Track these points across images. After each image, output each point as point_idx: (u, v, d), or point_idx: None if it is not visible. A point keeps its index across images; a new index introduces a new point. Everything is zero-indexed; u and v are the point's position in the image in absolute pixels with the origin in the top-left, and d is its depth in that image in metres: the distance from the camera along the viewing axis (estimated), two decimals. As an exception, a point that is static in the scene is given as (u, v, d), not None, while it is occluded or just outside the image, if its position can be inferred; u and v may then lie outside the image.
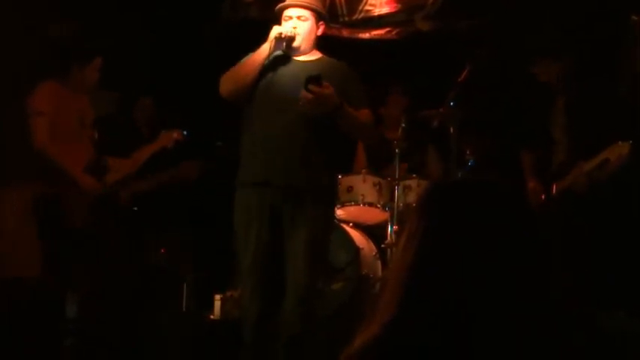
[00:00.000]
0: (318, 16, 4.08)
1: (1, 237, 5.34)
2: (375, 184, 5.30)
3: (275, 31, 3.96)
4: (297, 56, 4.07)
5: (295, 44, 4.01)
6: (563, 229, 4.30)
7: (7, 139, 5.34)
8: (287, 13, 4.04)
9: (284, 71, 4.03)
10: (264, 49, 3.96)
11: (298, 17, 4.01)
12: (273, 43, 3.95)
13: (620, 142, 4.25)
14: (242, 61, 4.03)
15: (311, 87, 3.79)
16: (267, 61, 4.00)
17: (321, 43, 4.16)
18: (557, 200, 4.50)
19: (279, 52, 4.06)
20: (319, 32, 4.10)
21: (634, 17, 4.75)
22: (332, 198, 4.17)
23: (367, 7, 6.11)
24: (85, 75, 4.81)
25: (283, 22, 4.03)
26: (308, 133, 3.88)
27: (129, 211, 5.07)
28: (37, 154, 4.61)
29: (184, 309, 5.71)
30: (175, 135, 5.16)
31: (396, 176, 5.20)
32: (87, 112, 4.88)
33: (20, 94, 4.99)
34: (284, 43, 3.98)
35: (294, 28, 3.98)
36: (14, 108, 5.07)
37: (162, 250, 5.80)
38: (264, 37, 3.99)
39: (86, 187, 4.66)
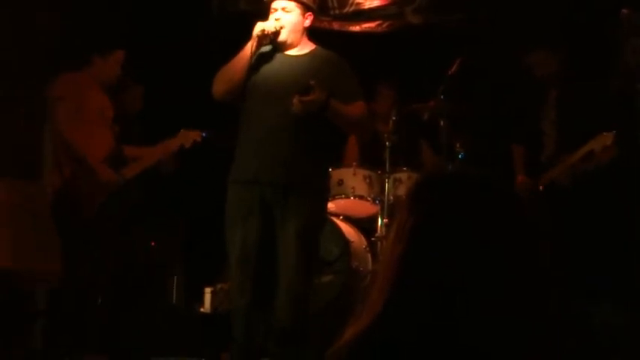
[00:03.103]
0: (305, 8, 4.05)
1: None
2: (365, 177, 5.30)
3: (258, 28, 3.93)
4: (286, 50, 4.05)
5: (281, 38, 3.98)
6: (550, 221, 4.31)
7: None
8: (273, 5, 4.02)
9: (273, 68, 4.01)
10: (248, 47, 3.94)
11: (283, 9, 3.99)
12: (256, 41, 3.93)
13: (604, 133, 4.26)
14: (230, 61, 4.02)
15: (301, 98, 3.80)
16: (254, 59, 3.97)
17: (311, 34, 4.15)
18: (544, 193, 4.51)
19: (267, 48, 4.04)
20: (307, 24, 4.06)
21: (624, 11, 4.76)
22: (323, 192, 4.15)
23: (358, 0, 6.11)
24: (107, 66, 4.79)
25: (270, 15, 4.01)
26: (298, 128, 3.87)
27: (131, 203, 5.03)
28: (59, 140, 4.62)
29: (174, 302, 5.71)
30: (194, 136, 5.03)
31: (387, 169, 5.21)
32: (108, 107, 4.86)
33: (10, 88, 4.99)
34: (269, 39, 3.98)
35: (277, 20, 3.96)
36: (3, 102, 5.08)
37: (153, 243, 5.79)
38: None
39: (104, 178, 4.64)
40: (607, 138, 4.23)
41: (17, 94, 5.42)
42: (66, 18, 5.65)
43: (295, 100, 3.81)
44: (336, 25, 6.15)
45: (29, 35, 5.53)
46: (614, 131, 4.22)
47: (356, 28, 6.17)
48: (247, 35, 3.97)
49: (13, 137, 5.43)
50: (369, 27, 6.15)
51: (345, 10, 6.14)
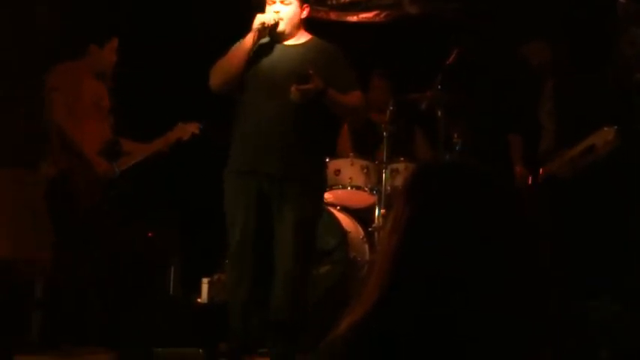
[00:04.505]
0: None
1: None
2: (362, 168, 5.29)
3: (257, 21, 3.97)
4: (284, 41, 4.08)
5: (280, 29, 4.01)
6: (548, 214, 4.30)
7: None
8: None
9: (271, 58, 4.04)
10: (248, 40, 3.98)
11: (281, 1, 4.01)
12: (256, 33, 3.95)
13: (605, 128, 4.24)
14: (228, 53, 4.04)
15: (300, 87, 3.82)
16: (253, 51, 4.00)
17: (309, 24, 4.16)
18: (543, 185, 4.50)
19: (265, 40, 4.06)
20: (304, 15, 4.10)
21: (621, 0, 4.75)
22: (320, 185, 4.17)
23: (355, -9, 6.10)
24: (103, 55, 4.79)
25: (267, 7, 4.03)
26: (296, 119, 3.90)
27: (129, 195, 5.03)
28: (54, 130, 4.61)
29: (172, 293, 5.71)
30: (192, 128, 5.00)
31: (384, 159, 5.20)
32: (104, 97, 4.85)
33: (10, 88, 4.99)
34: (268, 31, 3.99)
35: (277, 12, 3.98)
36: (3, 102, 5.09)
37: (150, 235, 5.79)
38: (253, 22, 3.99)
39: (99, 170, 4.64)
40: (609, 133, 4.21)
41: (17, 94, 5.42)
42: (66, 18, 5.64)
43: (293, 89, 3.84)
44: (333, 16, 6.14)
45: (29, 35, 5.53)
46: (616, 126, 4.20)
47: (353, 19, 6.17)
48: (244, 29, 3.99)
49: (13, 136, 5.44)
50: (366, 17, 6.14)
51: (343, 0, 6.13)
